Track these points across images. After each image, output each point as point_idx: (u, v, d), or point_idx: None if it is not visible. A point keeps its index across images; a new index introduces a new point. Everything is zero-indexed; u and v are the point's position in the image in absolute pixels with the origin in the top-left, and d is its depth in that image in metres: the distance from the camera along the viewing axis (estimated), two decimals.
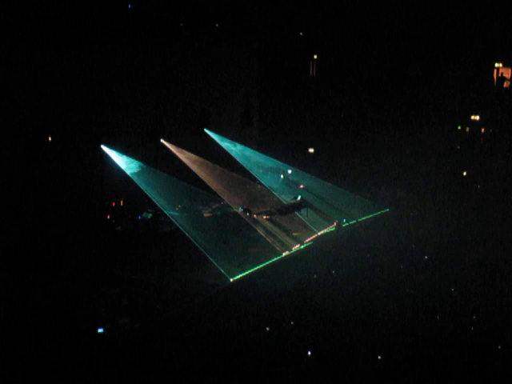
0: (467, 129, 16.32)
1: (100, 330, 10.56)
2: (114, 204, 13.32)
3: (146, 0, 13.72)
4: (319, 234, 14.36)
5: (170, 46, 14.08)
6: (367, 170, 15.58)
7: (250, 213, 14.40)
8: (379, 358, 10.13)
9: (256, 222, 14.23)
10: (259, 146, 16.11)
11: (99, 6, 12.75)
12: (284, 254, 13.34)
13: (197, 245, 12.78)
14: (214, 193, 14.40)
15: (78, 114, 12.94)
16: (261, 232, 13.86)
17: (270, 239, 13.67)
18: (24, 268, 11.11)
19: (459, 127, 16.20)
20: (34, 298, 10.63)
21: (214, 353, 9.94)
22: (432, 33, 15.59)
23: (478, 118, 16.20)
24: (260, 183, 15.35)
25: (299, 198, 15.23)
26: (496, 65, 16.38)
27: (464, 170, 15.73)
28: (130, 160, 13.46)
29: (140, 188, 13.36)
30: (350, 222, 14.80)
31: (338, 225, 14.57)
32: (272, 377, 9.59)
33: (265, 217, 14.54)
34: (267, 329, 10.79)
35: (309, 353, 10.39)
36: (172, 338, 10.17)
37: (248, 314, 10.94)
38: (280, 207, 14.93)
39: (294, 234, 14.37)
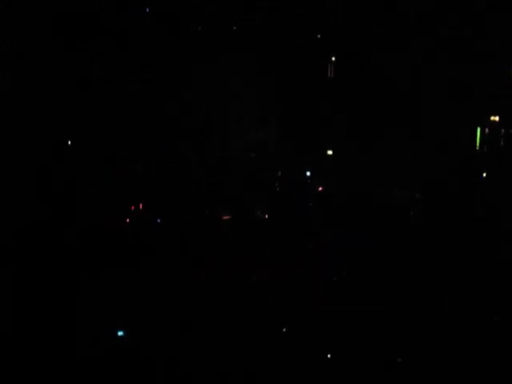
0: (486, 130, 16.18)
1: (120, 334, 10.59)
2: (133, 208, 13.35)
3: (154, 4, 13.77)
4: None
5: (188, 49, 14.10)
6: (384, 170, 15.51)
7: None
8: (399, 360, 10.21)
9: None
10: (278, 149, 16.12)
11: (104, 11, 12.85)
12: None
13: (213, 247, 12.86)
14: (233, 196, 14.44)
15: (97, 116, 13.03)
16: None
17: None
18: (40, 271, 11.21)
19: (479, 128, 16.08)
20: (52, 300, 10.71)
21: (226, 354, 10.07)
22: (450, 32, 15.50)
23: (497, 118, 16.06)
24: (278, 185, 15.36)
25: None
26: None
27: (483, 172, 15.61)
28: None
29: (159, 191, 13.42)
30: None
31: None
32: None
33: None
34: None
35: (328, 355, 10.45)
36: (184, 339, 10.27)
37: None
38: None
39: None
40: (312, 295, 11.71)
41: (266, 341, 10.80)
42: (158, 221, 13.07)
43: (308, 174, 15.52)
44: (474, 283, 11.70)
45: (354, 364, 10.57)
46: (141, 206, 13.23)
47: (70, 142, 12.69)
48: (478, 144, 15.91)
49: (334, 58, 16.19)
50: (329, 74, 16.69)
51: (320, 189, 15.50)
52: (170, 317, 11.02)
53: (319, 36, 15.77)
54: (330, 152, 16.48)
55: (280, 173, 15.49)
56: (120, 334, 10.71)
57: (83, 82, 12.60)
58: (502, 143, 15.74)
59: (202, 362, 10.45)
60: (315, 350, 10.83)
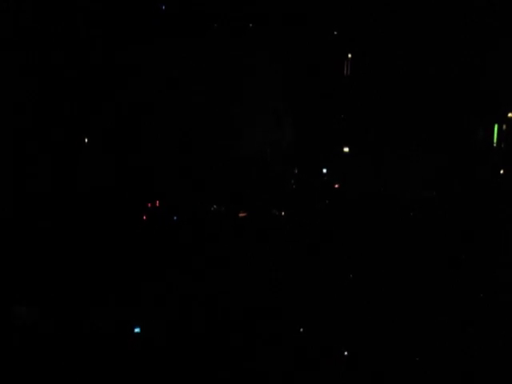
0: (504, 127, 16.14)
1: (137, 330, 10.66)
2: (149, 205, 13.41)
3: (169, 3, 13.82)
4: None
5: (193, 48, 14.15)
6: (402, 170, 15.51)
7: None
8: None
9: None
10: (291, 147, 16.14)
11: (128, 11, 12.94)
12: None
13: (230, 243, 12.91)
14: (249, 194, 14.47)
15: (113, 113, 13.10)
16: None
17: None
18: (56, 269, 11.33)
19: (496, 125, 16.03)
20: (68, 298, 10.82)
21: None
22: (468, 30, 15.47)
23: None
24: (294, 183, 15.41)
25: None
26: None
27: (501, 169, 15.57)
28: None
29: (175, 189, 13.48)
30: None
31: None
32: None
33: None
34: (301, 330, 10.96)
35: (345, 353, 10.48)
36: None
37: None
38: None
39: None
40: (327, 294, 11.77)
41: (281, 339, 10.85)
42: (175, 218, 13.15)
43: (324, 171, 15.56)
44: (493, 285, 11.67)
45: (370, 363, 10.61)
46: (157, 203, 13.30)
47: (86, 140, 12.78)
48: (495, 141, 15.90)
49: (350, 56, 16.21)
50: (345, 72, 16.70)
51: (336, 186, 15.53)
52: (186, 314, 11.10)
53: (336, 33, 15.80)
54: (346, 149, 16.51)
55: (296, 170, 15.54)
56: (137, 330, 10.81)
57: (95, 81, 12.69)
58: None
59: (217, 361, 10.52)
60: (331, 349, 10.89)
